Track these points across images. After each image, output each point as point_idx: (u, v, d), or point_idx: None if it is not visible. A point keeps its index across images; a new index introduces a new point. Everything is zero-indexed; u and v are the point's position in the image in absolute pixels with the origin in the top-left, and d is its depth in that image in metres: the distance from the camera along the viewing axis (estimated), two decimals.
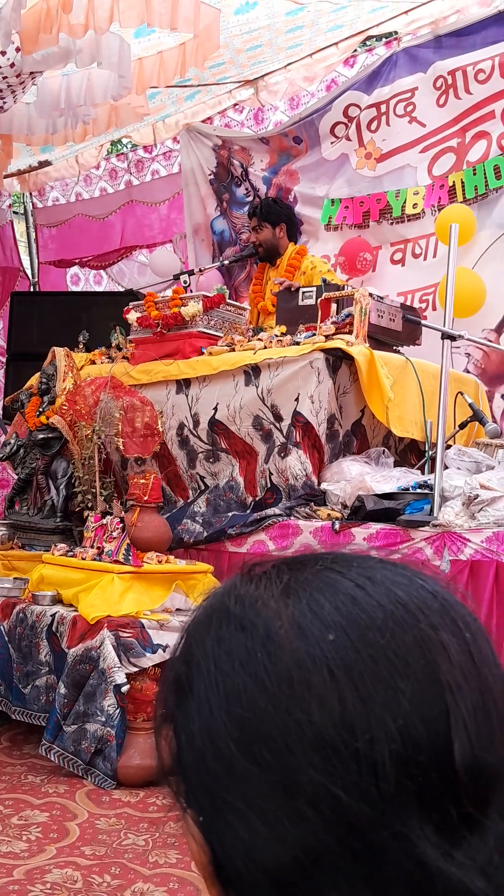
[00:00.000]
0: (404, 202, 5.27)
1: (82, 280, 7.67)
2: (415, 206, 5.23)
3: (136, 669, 3.10)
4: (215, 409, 4.01)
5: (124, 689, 3.04)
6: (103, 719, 3.06)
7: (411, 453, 4.13)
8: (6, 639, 3.54)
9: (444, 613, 0.51)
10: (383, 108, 5.42)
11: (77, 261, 7.43)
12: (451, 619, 0.51)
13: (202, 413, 4.07)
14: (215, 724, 0.50)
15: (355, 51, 5.84)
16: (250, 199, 6.14)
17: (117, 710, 3.04)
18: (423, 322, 3.92)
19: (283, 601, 0.51)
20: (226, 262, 5.32)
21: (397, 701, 0.47)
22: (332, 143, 5.66)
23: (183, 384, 4.15)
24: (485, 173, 4.96)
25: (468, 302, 4.43)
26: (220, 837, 0.50)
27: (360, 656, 0.48)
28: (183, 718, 0.52)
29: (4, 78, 4.36)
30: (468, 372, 4.76)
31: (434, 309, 4.89)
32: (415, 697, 0.47)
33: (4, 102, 4.57)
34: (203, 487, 4.14)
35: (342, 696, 0.47)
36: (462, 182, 5.05)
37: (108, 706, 3.05)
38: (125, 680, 3.06)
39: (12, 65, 4.33)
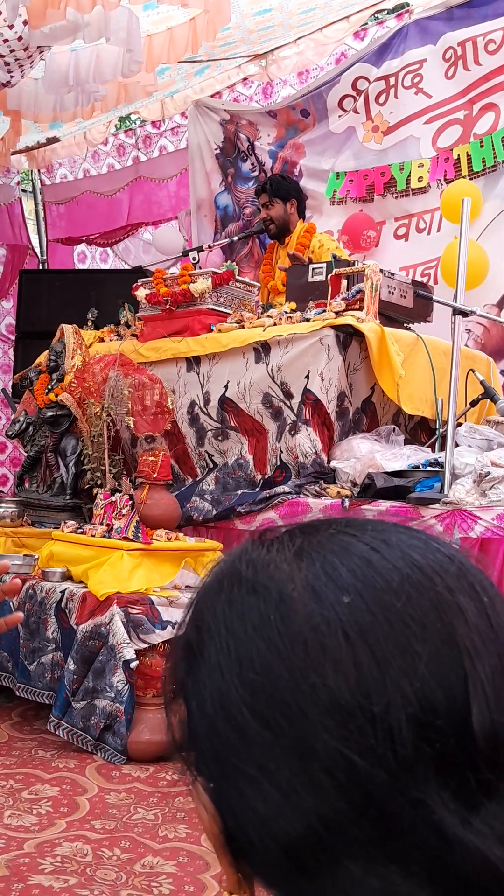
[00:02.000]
0: (409, 175, 5.21)
1: (89, 258, 7.64)
2: (420, 179, 5.17)
3: (145, 646, 3.11)
4: (226, 386, 3.99)
5: (133, 664, 3.05)
6: (112, 695, 3.07)
7: (421, 431, 4.11)
8: None
9: (460, 577, 0.50)
10: (392, 80, 5.36)
11: (84, 238, 7.40)
12: (469, 582, 0.50)
13: (213, 391, 4.05)
14: (227, 689, 0.49)
15: (366, 24, 5.77)
16: (256, 173, 6.10)
17: (126, 686, 3.05)
18: (435, 298, 3.88)
19: (296, 564, 0.50)
20: (235, 238, 5.28)
21: (414, 665, 0.46)
22: (339, 116, 5.61)
23: (193, 362, 4.13)
24: (493, 145, 4.90)
25: (472, 275, 4.38)
26: (232, 806, 0.49)
27: (375, 619, 0.47)
28: (194, 684, 0.51)
29: (12, 51, 4.32)
30: (467, 347, 4.72)
31: (436, 283, 4.84)
32: (432, 661, 0.46)
33: (12, 76, 4.53)
34: (212, 465, 4.13)
35: (357, 660, 0.46)
36: (468, 155, 4.99)
37: (118, 682, 3.06)
38: (134, 656, 3.06)
39: (20, 38, 4.28)
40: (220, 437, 4.08)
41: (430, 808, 0.45)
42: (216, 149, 6.34)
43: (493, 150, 4.90)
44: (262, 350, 3.87)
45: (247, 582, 0.51)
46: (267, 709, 0.47)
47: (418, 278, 4.90)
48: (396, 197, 5.29)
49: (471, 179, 4.95)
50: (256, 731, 0.47)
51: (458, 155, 5.04)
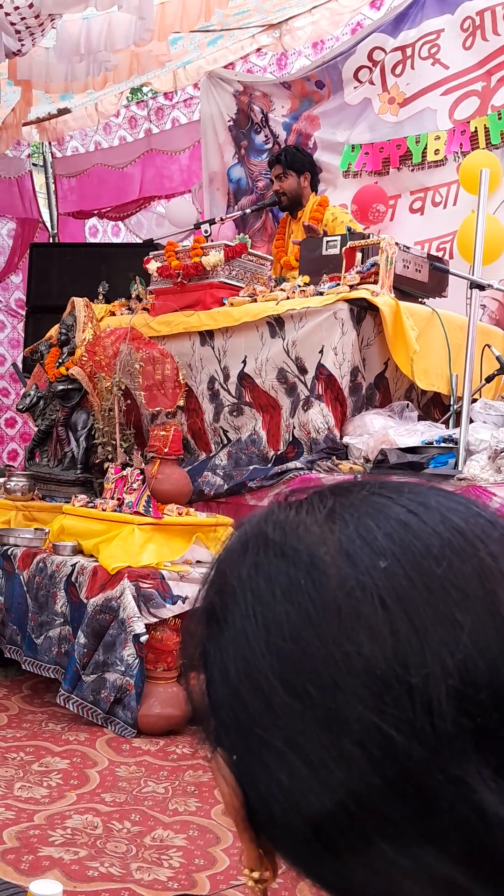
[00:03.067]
0: (425, 148, 5.13)
1: (100, 231, 7.58)
2: (436, 151, 5.09)
3: (155, 620, 3.10)
4: (244, 362, 3.96)
5: (143, 638, 3.05)
6: (123, 669, 3.07)
7: (435, 407, 4.07)
8: (25, 588, 3.54)
9: None
10: (408, 51, 5.26)
11: (96, 212, 7.34)
12: None
13: (231, 366, 4.02)
14: (253, 657, 0.46)
15: None
16: (269, 146, 6.02)
17: (137, 660, 3.05)
18: (452, 271, 3.82)
19: (328, 526, 0.47)
20: (248, 210, 5.21)
21: (455, 634, 0.43)
22: (354, 87, 5.51)
23: (206, 336, 4.09)
24: None
25: (489, 250, 4.30)
26: (255, 779, 0.47)
27: (414, 586, 0.44)
28: (216, 651, 0.48)
29: (23, 19, 4.25)
30: (482, 323, 4.66)
31: (451, 257, 4.77)
32: (474, 631, 0.43)
33: (23, 45, 4.46)
34: (226, 441, 4.11)
35: (395, 628, 0.43)
36: (486, 127, 4.91)
37: (128, 656, 3.06)
38: (145, 630, 3.06)
39: (31, 5, 4.22)
40: (235, 413, 4.05)
41: (470, 785, 0.42)
42: (229, 121, 6.25)
43: None
44: (276, 325, 3.83)
45: (274, 544, 0.48)
46: (296, 677, 0.44)
47: (434, 253, 4.83)
48: (412, 170, 5.21)
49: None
50: (284, 701, 0.44)
51: (476, 127, 4.95)
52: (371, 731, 0.43)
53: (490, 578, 0.45)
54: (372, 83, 5.42)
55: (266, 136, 6.08)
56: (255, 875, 0.52)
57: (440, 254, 4.83)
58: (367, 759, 0.43)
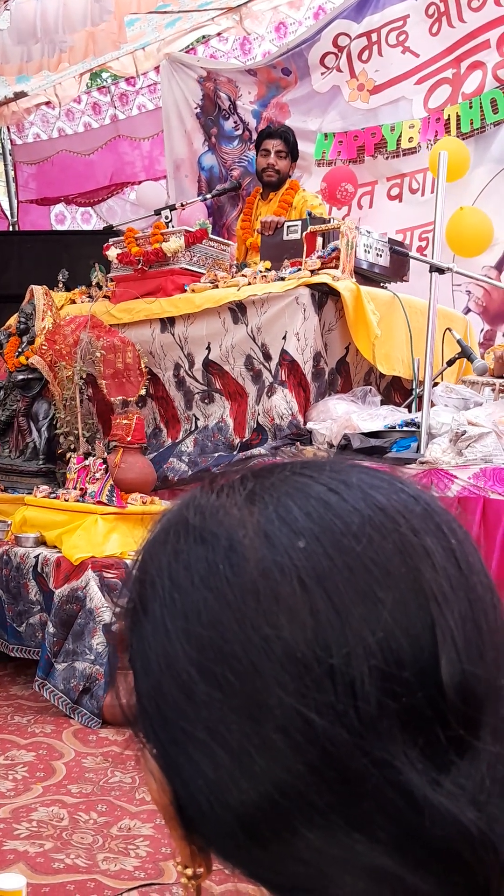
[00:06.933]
0: (399, 136, 5.12)
1: (68, 219, 7.47)
2: (410, 139, 5.09)
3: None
4: (208, 348, 3.93)
5: (115, 628, 3.03)
6: (92, 657, 3.06)
7: (395, 391, 4.07)
8: None
9: (427, 518, 0.46)
10: (374, 37, 5.24)
11: (62, 198, 7.24)
12: (436, 524, 0.46)
13: (196, 353, 3.98)
14: (172, 646, 0.45)
15: None
16: (239, 132, 5.96)
17: (106, 648, 3.03)
18: (409, 254, 3.82)
19: (247, 508, 0.46)
20: (209, 196, 5.16)
21: (377, 612, 0.42)
22: (322, 74, 5.48)
23: (167, 323, 4.05)
24: (481, 107, 4.81)
25: (476, 241, 4.31)
26: (181, 773, 0.45)
27: (334, 564, 0.43)
28: (138, 643, 0.47)
29: None
30: (469, 310, 4.67)
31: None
32: (396, 608, 0.42)
33: None
34: (194, 428, 4.08)
35: (314, 609, 0.42)
36: (458, 115, 4.91)
37: (97, 644, 3.05)
38: (113, 619, 3.04)
39: None
40: (206, 401, 4.03)
41: (397, 768, 0.41)
42: (196, 107, 6.18)
43: (482, 111, 4.81)
44: (238, 311, 3.81)
45: (194, 530, 0.47)
46: (216, 665, 0.43)
47: (416, 242, 4.83)
48: (387, 158, 5.20)
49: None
50: (204, 691, 0.43)
51: (448, 115, 4.95)
52: (292, 716, 0.41)
53: (412, 555, 0.44)
54: (339, 70, 5.39)
55: (235, 123, 6.02)
56: (189, 872, 0.50)
57: (423, 243, 4.83)
58: (289, 746, 0.41)
